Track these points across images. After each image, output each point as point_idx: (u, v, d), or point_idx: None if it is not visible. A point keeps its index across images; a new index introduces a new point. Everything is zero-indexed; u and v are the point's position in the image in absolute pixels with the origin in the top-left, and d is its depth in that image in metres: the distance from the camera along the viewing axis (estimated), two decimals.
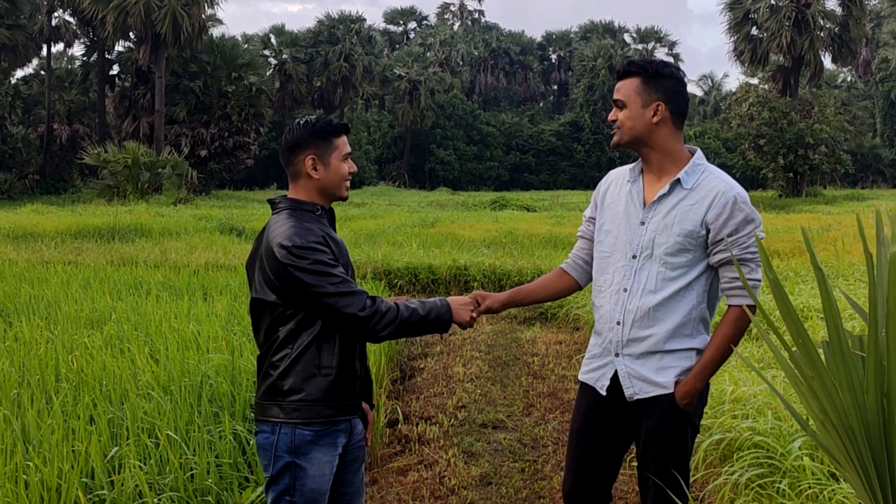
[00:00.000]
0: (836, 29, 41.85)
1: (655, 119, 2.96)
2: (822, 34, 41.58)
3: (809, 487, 3.78)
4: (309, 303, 2.80)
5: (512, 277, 12.31)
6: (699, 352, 2.97)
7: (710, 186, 2.94)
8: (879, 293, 2.16)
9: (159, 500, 3.70)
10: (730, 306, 2.94)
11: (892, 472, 2.14)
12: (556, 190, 56.35)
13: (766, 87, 44.83)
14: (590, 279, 3.27)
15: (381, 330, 2.84)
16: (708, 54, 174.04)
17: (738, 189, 2.94)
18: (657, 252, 2.94)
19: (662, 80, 2.98)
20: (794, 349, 2.26)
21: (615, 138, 3.03)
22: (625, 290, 3.00)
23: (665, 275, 2.94)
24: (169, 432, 4.14)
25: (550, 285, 3.30)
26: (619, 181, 3.16)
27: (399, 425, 6.04)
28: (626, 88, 2.98)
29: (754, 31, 42.79)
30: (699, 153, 3.05)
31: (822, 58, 43.23)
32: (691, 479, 4.51)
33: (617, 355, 3.02)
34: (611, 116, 3.03)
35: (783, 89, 42.42)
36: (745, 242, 2.88)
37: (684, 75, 3.08)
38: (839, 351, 2.15)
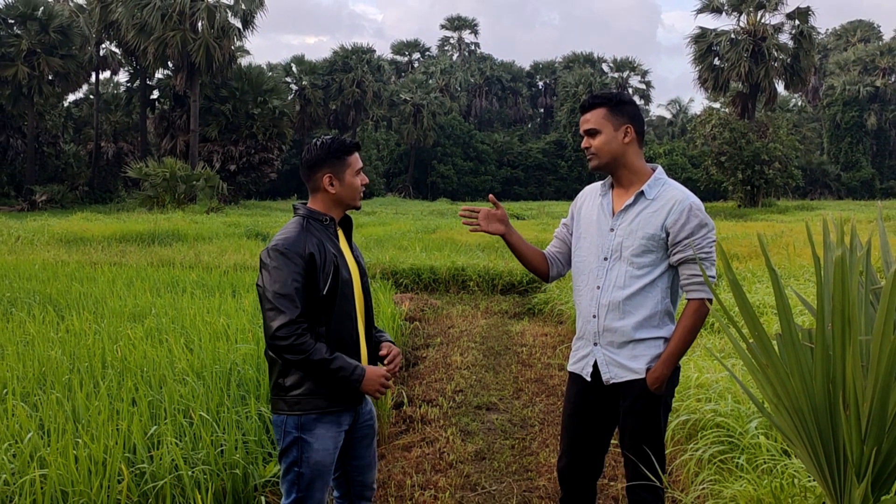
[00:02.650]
0: (789, 60, 41.92)
1: (627, 140, 3.01)
2: (776, 64, 41.65)
3: (764, 462, 3.77)
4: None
5: (504, 277, 12.31)
6: (666, 340, 3.00)
7: (668, 196, 2.99)
8: (826, 291, 2.16)
9: (193, 472, 3.69)
10: (689, 300, 2.98)
11: (837, 449, 2.15)
12: (542, 201, 56.32)
13: (726, 110, 44.88)
14: (557, 276, 3.30)
15: (284, 352, 2.77)
16: (675, 81, 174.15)
17: (693, 198, 3.00)
18: (625, 254, 2.99)
19: (625, 106, 3.03)
20: (751, 341, 2.26)
21: (594, 163, 3.05)
22: (598, 287, 3.04)
23: (632, 273, 2.98)
24: (202, 413, 4.13)
25: (534, 257, 3.26)
26: (592, 196, 3.21)
27: (404, 407, 6.03)
28: (596, 117, 3.01)
29: (716, 61, 42.85)
30: (660, 169, 3.10)
31: (776, 85, 43.31)
32: None
33: (596, 344, 3.06)
34: (584, 144, 3.05)
35: (742, 112, 42.46)
36: (700, 244, 2.93)
37: (636, 102, 3.14)
38: (791, 342, 2.15)
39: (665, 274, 3.00)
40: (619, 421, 3.07)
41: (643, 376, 2.97)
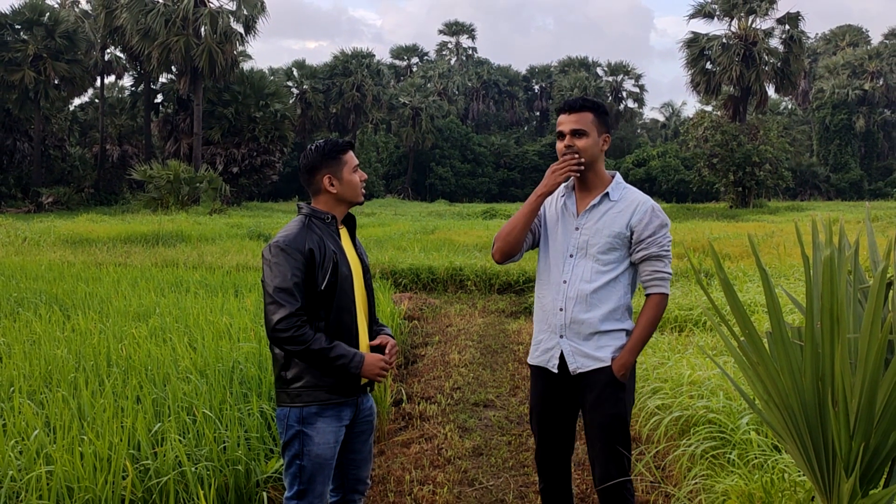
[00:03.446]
0: (779, 64, 41.94)
1: (605, 147, 3.15)
2: (766, 68, 41.66)
3: (755, 458, 3.78)
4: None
5: (500, 277, 12.30)
6: (628, 332, 3.11)
7: (632, 198, 3.13)
8: (815, 290, 2.17)
9: (196, 468, 3.69)
10: (649, 295, 3.08)
11: (826, 445, 2.15)
12: None
13: (718, 113, 44.87)
14: (519, 258, 3.26)
15: (284, 343, 2.81)
16: (668, 85, 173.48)
17: (653, 201, 3.15)
18: (590, 251, 3.10)
19: (606, 116, 3.16)
20: (742, 339, 2.26)
21: None
22: (564, 281, 3.12)
23: (597, 269, 3.08)
24: (205, 410, 4.13)
25: (523, 233, 3.18)
26: (555, 197, 3.29)
27: (403, 404, 6.03)
28: (584, 120, 3.08)
29: (708, 65, 42.85)
30: (618, 175, 3.22)
31: (767, 88, 43.27)
32: (653, 451, 4.52)
33: (562, 337, 3.12)
34: (567, 142, 3.08)
35: (733, 115, 42.47)
36: (661, 242, 3.07)
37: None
38: (780, 340, 2.16)
39: (627, 271, 3.12)
40: (586, 413, 3.13)
41: (608, 364, 3.05)
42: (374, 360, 2.94)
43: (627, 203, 3.10)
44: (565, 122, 3.10)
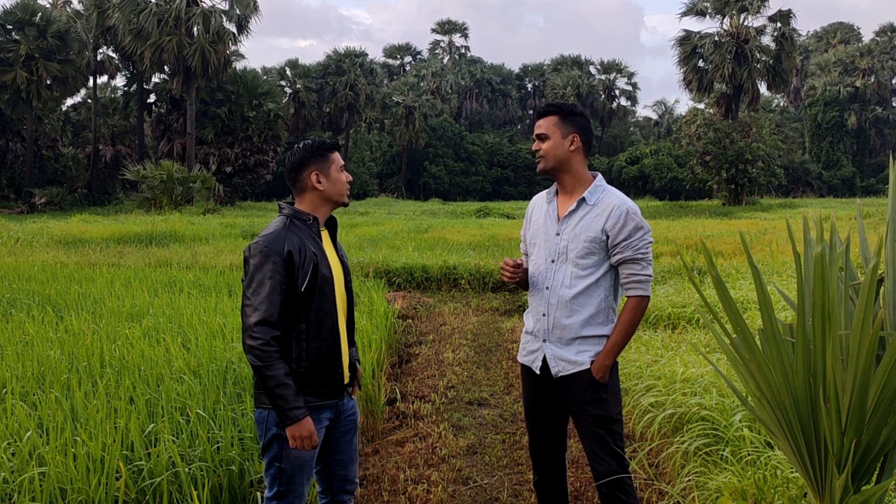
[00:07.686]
0: (771, 61, 42.07)
1: (573, 148, 3.15)
2: (758, 66, 41.80)
3: (748, 454, 3.79)
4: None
5: (494, 275, 12.30)
6: (609, 337, 3.14)
7: (607, 202, 3.13)
8: (806, 287, 2.17)
9: (189, 469, 3.68)
10: (628, 297, 3.11)
11: (818, 441, 2.15)
12: (531, 200, 56.28)
13: (711, 111, 45.00)
14: None
15: (251, 350, 2.75)
16: (659, 82, 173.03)
17: (630, 204, 3.14)
18: (570, 256, 3.13)
19: (575, 117, 3.17)
20: (734, 336, 2.27)
21: (541, 165, 3.21)
22: (547, 287, 3.17)
23: (577, 274, 3.12)
24: (198, 411, 4.12)
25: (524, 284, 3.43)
26: (540, 203, 3.34)
27: (397, 403, 6.02)
28: (547, 124, 3.17)
29: (700, 63, 42.97)
30: (600, 176, 3.24)
31: (759, 86, 43.43)
32: (647, 449, 4.53)
33: (545, 341, 3.18)
34: (534, 147, 3.22)
35: (726, 113, 42.59)
36: (636, 245, 3.08)
37: (588, 115, 3.28)
38: (772, 337, 2.16)
39: (608, 274, 3.13)
40: (572, 416, 3.18)
41: (587, 367, 3.09)
42: (307, 431, 2.79)
43: (603, 207, 3.11)
44: (535, 128, 3.22)
